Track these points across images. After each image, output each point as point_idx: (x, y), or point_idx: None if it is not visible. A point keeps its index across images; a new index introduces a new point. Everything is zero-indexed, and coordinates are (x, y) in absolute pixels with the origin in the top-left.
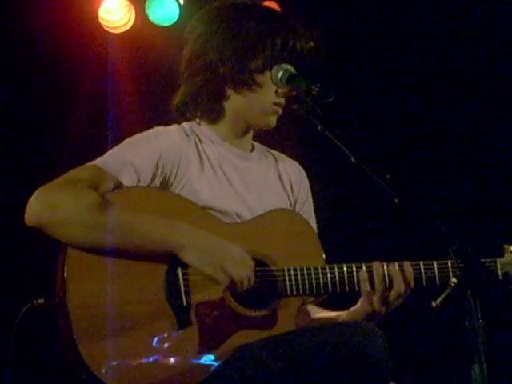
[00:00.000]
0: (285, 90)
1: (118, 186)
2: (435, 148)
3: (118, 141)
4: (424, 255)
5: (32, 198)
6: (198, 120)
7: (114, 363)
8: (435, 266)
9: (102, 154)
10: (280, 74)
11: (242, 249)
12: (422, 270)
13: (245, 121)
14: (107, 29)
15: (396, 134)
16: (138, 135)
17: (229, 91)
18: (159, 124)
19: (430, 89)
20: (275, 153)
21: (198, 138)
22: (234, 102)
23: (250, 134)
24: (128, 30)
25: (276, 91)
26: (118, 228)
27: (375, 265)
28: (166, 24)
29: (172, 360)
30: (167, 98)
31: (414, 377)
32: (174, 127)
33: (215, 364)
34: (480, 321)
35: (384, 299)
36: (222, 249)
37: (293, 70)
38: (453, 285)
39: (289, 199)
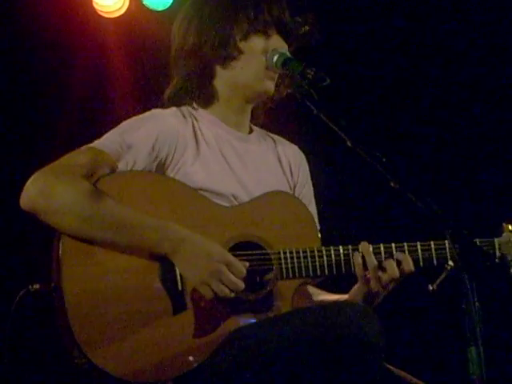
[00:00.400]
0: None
1: (115, 168)
2: (432, 129)
3: (113, 125)
4: (421, 238)
5: (28, 182)
6: (193, 105)
7: (110, 348)
8: (432, 246)
9: (97, 138)
10: (275, 57)
11: (234, 258)
12: (420, 251)
13: (240, 94)
14: (101, 13)
15: (392, 119)
16: (135, 118)
17: (216, 69)
18: (153, 107)
19: (429, 75)
20: (275, 136)
21: (196, 119)
22: (224, 78)
23: (248, 115)
24: (122, 15)
25: (265, 50)
26: (110, 224)
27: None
28: (161, 8)
29: (168, 344)
30: (162, 82)
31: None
32: (171, 110)
33: (212, 348)
34: (476, 304)
35: (378, 280)
36: (209, 261)
37: (288, 53)
38: (449, 268)
39: (288, 182)
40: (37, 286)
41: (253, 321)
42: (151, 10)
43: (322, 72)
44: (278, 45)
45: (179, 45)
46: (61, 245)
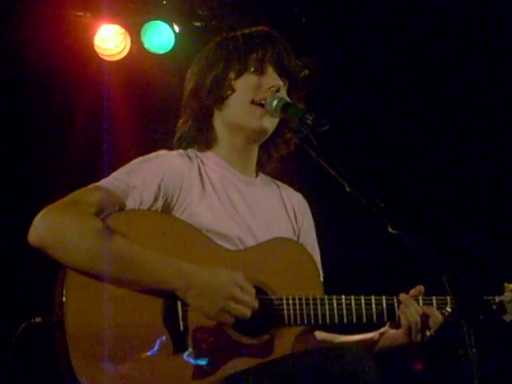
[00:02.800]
0: (268, 87)
1: (122, 207)
2: (433, 172)
3: (113, 167)
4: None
5: (37, 218)
6: (197, 147)
7: None
8: (434, 301)
9: (98, 179)
10: (275, 102)
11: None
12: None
13: (238, 134)
14: (103, 56)
15: (393, 159)
16: (141, 158)
17: (214, 111)
18: (154, 150)
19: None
20: (279, 183)
21: (202, 161)
22: (221, 118)
23: (253, 158)
24: (123, 58)
25: (259, 87)
26: (119, 262)
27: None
28: (162, 52)
29: None
30: (162, 124)
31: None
32: (176, 151)
33: None
34: (474, 349)
35: (419, 330)
36: (221, 288)
37: (287, 98)
38: (447, 314)
39: (292, 227)
40: (38, 319)
41: (252, 365)
42: (152, 53)
43: (322, 117)
44: (273, 82)
45: (184, 91)
46: (66, 279)
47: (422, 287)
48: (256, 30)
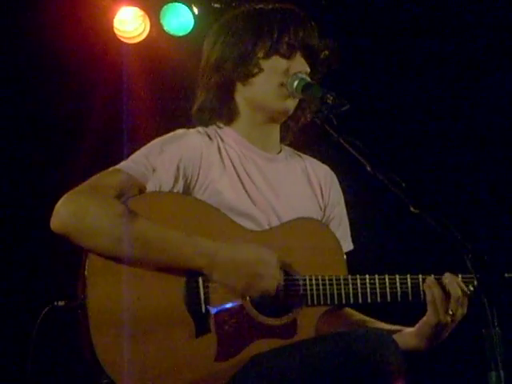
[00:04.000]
0: (295, 72)
1: (142, 189)
2: (451, 155)
3: (133, 150)
4: (440, 264)
5: (59, 203)
6: (218, 123)
7: (132, 368)
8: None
9: (117, 163)
10: (295, 83)
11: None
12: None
13: (260, 110)
14: (122, 39)
15: (416, 145)
16: (159, 139)
17: (237, 86)
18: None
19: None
20: (305, 156)
21: (221, 139)
22: (244, 94)
23: (275, 135)
24: (143, 40)
25: (286, 71)
26: (142, 242)
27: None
28: (181, 34)
29: (190, 366)
30: (182, 107)
31: None
32: (195, 129)
33: (232, 372)
34: (496, 328)
35: (446, 310)
36: (247, 265)
37: (308, 79)
38: (469, 292)
39: (318, 202)
40: (62, 303)
41: (275, 347)
42: (172, 35)
43: (342, 97)
44: (300, 67)
45: (204, 61)
46: (87, 263)
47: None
48: (287, 8)
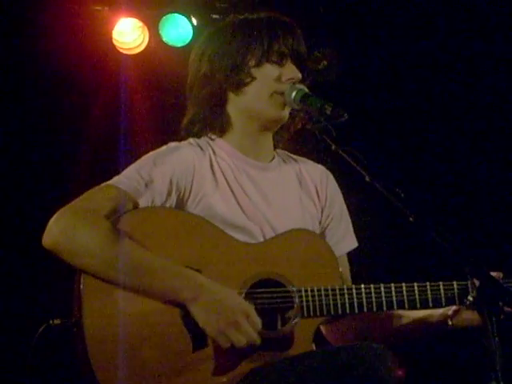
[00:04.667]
0: (287, 78)
1: (135, 204)
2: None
3: (130, 161)
4: (439, 274)
5: (51, 221)
6: (209, 135)
7: None
8: (455, 286)
9: (114, 174)
10: (294, 93)
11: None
12: (442, 291)
13: (253, 121)
14: (121, 50)
15: (412, 152)
16: (151, 153)
17: (229, 96)
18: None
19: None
20: (299, 159)
21: (213, 151)
22: (237, 104)
23: (268, 144)
24: (142, 51)
25: (279, 78)
26: (131, 271)
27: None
28: (180, 45)
29: (187, 381)
30: (181, 118)
31: None
32: (187, 142)
33: None
34: (496, 338)
35: None
36: (228, 311)
37: (306, 89)
38: (468, 303)
39: (314, 205)
40: (57, 321)
41: (272, 360)
42: (171, 46)
43: (341, 107)
44: (292, 74)
45: (193, 74)
46: (82, 280)
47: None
48: (274, 16)
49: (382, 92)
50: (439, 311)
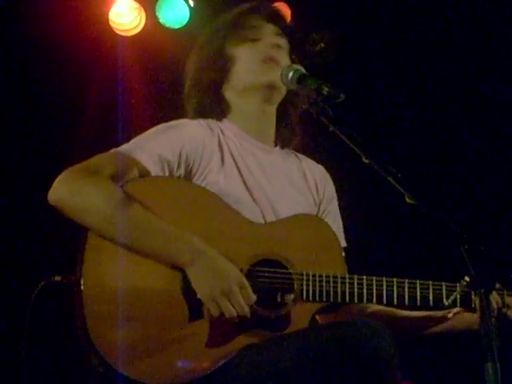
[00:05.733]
0: (268, 44)
1: (143, 172)
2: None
3: (127, 141)
4: (435, 257)
5: (57, 179)
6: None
7: (122, 345)
8: (458, 288)
9: None
10: (291, 74)
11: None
12: (444, 291)
13: (249, 94)
14: (118, 32)
15: (410, 135)
16: (163, 125)
17: (222, 84)
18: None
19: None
20: (301, 156)
21: (221, 131)
22: (230, 88)
23: (270, 122)
24: (138, 33)
25: (259, 48)
26: (132, 229)
27: None
28: (177, 26)
29: (182, 349)
30: (177, 99)
31: (425, 376)
32: (197, 120)
33: (223, 360)
34: (493, 319)
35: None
36: (223, 278)
37: (303, 70)
38: (465, 283)
39: (312, 196)
40: (58, 278)
41: (267, 338)
42: (167, 28)
43: (337, 88)
44: (271, 40)
45: (186, 71)
46: (87, 240)
47: None
48: (255, 4)
49: (380, 73)
50: (439, 313)
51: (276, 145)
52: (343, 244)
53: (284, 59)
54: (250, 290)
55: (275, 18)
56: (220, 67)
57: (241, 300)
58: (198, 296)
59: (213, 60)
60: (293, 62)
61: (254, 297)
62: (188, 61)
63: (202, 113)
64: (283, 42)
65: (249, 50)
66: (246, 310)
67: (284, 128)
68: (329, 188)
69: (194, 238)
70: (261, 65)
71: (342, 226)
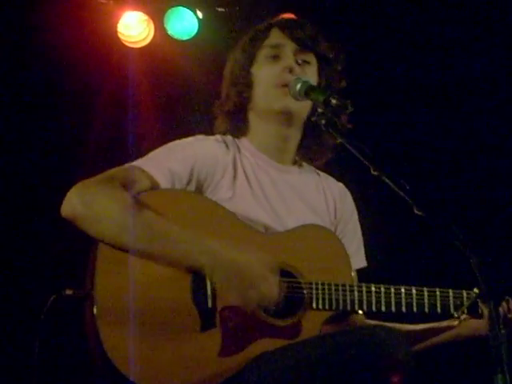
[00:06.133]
0: (282, 68)
1: (153, 185)
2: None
3: (137, 154)
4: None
5: (70, 191)
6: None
7: (136, 358)
8: (464, 295)
9: (120, 165)
10: (298, 86)
11: (271, 260)
12: (451, 299)
13: (267, 118)
14: (126, 43)
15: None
16: (178, 141)
17: (246, 106)
18: (178, 138)
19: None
20: (322, 173)
21: (238, 149)
22: (252, 110)
23: (291, 143)
24: (147, 45)
25: (276, 71)
26: (147, 234)
27: None
28: (185, 38)
29: (194, 359)
30: (186, 111)
31: None
32: (214, 136)
33: (236, 369)
34: (502, 331)
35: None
36: (247, 272)
37: (311, 82)
38: (474, 295)
39: (328, 216)
40: (70, 292)
41: (278, 346)
42: (176, 39)
43: (346, 99)
44: (285, 63)
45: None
46: (98, 252)
47: None
48: (274, 20)
49: (387, 85)
50: (443, 323)
51: (296, 162)
52: (363, 263)
53: (306, 75)
54: (274, 278)
55: (297, 33)
56: (245, 87)
57: (269, 286)
58: (229, 297)
59: (240, 79)
60: (321, 75)
61: (278, 280)
62: (226, 66)
63: (225, 126)
64: (308, 56)
65: (267, 73)
66: (277, 295)
67: (312, 142)
68: (347, 208)
69: (211, 241)
70: (275, 90)
71: (362, 246)
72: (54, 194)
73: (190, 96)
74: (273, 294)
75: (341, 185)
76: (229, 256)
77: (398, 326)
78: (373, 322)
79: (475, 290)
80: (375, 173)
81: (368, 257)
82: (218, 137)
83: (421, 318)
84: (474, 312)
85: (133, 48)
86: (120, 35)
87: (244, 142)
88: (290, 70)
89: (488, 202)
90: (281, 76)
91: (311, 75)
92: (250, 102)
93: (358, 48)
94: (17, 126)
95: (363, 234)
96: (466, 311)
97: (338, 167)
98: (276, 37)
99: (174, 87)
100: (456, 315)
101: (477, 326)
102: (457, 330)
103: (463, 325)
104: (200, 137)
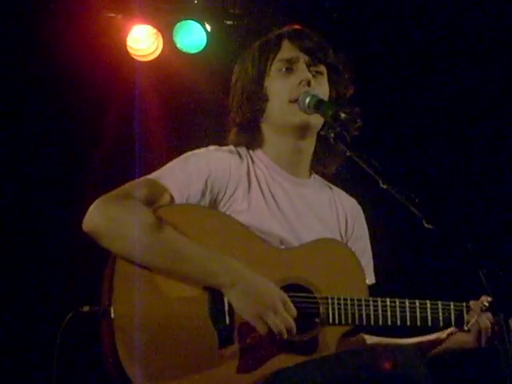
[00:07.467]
0: (297, 83)
1: (171, 201)
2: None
3: (146, 167)
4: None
5: (92, 206)
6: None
7: (153, 374)
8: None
9: (130, 180)
10: (307, 100)
11: (284, 294)
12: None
13: (282, 132)
14: (135, 57)
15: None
16: (192, 153)
17: (259, 119)
18: (188, 151)
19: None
20: (334, 188)
21: (252, 160)
22: (266, 123)
23: (305, 156)
24: (156, 58)
25: (290, 86)
26: (169, 254)
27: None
28: (194, 51)
29: (212, 376)
30: (195, 124)
31: None
32: (228, 148)
33: None
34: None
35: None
36: (266, 296)
37: (320, 96)
38: (483, 308)
39: (339, 231)
40: (86, 308)
41: (296, 362)
42: (184, 52)
43: (355, 113)
44: (300, 77)
45: (230, 97)
46: (116, 268)
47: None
48: (284, 31)
49: (396, 96)
50: (432, 336)
51: (311, 174)
52: (372, 280)
53: (321, 86)
54: (291, 304)
55: (308, 44)
56: (258, 101)
57: (286, 314)
58: (243, 316)
59: (253, 93)
60: (331, 84)
61: (295, 310)
62: (233, 77)
63: (238, 138)
64: (320, 67)
65: (281, 86)
66: (292, 323)
67: (324, 151)
68: (359, 224)
69: (231, 260)
70: (289, 105)
71: (371, 263)
72: (66, 208)
73: (199, 109)
74: (288, 325)
75: (353, 201)
76: (250, 278)
77: (390, 340)
78: (375, 339)
79: (485, 303)
80: (384, 186)
81: (376, 273)
82: (232, 147)
83: (408, 330)
84: (460, 325)
85: (142, 61)
86: (129, 49)
87: (258, 153)
88: (308, 83)
89: (496, 214)
90: (295, 90)
91: (324, 86)
92: (263, 115)
93: (364, 56)
94: (27, 139)
95: (372, 248)
96: (453, 323)
97: (347, 180)
98: (288, 49)
99: (182, 100)
100: (466, 328)
101: (464, 339)
102: (445, 345)
103: (451, 339)
104: (212, 148)
